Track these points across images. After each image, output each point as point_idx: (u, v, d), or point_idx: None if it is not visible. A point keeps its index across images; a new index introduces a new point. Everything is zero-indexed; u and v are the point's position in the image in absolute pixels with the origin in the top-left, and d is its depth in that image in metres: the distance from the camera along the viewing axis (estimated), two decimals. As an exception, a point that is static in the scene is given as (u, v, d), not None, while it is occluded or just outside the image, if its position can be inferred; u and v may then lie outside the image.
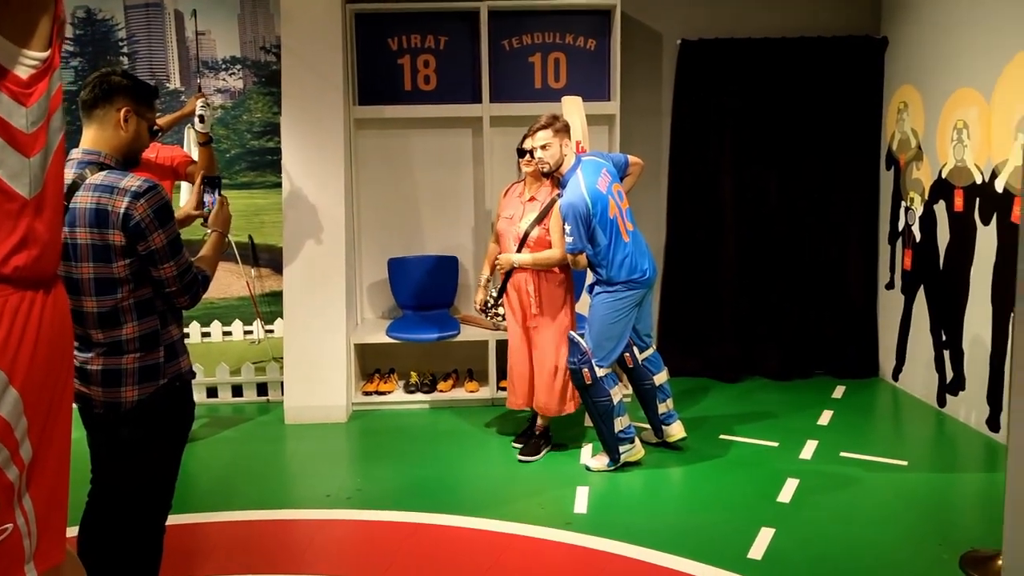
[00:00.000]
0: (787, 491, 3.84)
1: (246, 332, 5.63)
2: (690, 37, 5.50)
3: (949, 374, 4.82)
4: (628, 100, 5.44)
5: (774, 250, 5.62)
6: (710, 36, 5.49)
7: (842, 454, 4.29)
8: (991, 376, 4.42)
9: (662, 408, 4.33)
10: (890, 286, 5.51)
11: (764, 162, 5.56)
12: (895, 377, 5.47)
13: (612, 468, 4.11)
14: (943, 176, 4.81)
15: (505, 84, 5.42)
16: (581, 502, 3.77)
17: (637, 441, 4.16)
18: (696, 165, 5.60)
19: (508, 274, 4.31)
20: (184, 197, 4.74)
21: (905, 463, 4.16)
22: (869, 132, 5.55)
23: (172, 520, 2.62)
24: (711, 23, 5.53)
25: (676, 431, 4.35)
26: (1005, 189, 4.26)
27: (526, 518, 3.60)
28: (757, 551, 3.29)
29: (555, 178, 4.19)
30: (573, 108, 4.47)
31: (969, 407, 4.65)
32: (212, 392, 5.34)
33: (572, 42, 5.45)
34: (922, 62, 5.05)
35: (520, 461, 4.28)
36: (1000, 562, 2.87)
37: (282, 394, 5.09)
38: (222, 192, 2.74)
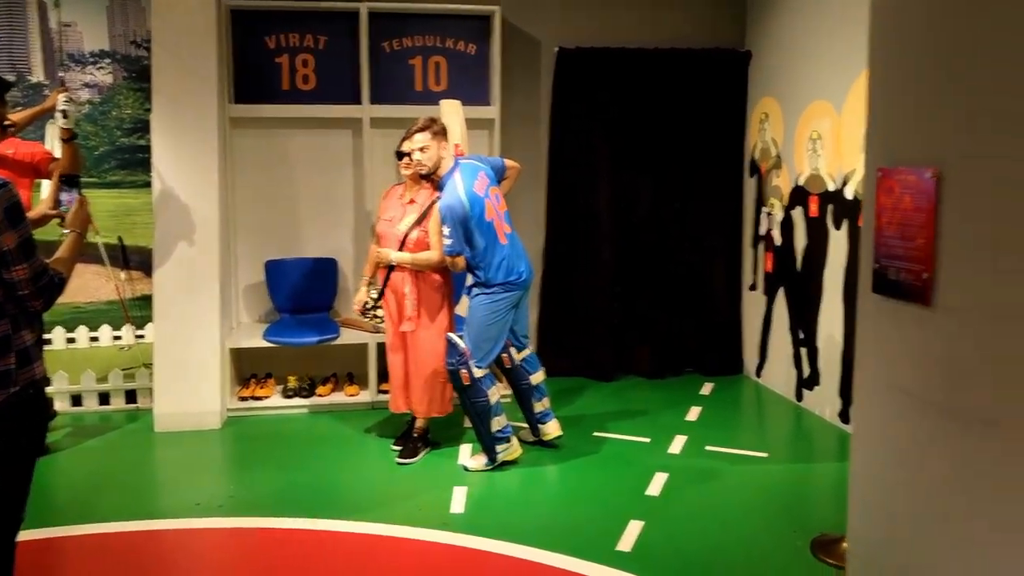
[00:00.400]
0: (656, 485, 4.00)
1: (115, 337, 5.40)
2: (567, 45, 5.64)
3: (806, 370, 5.12)
4: (508, 105, 5.53)
5: (645, 254, 5.82)
6: (587, 45, 5.64)
7: (708, 448, 4.50)
8: (843, 372, 4.72)
9: (538, 407, 4.43)
10: (753, 287, 5.81)
11: (637, 169, 5.75)
12: (758, 374, 5.77)
13: (490, 467, 4.17)
14: (800, 183, 5.11)
15: (385, 86, 5.41)
16: (458, 502, 3.82)
17: (514, 440, 4.24)
18: (573, 171, 5.74)
19: (388, 275, 4.31)
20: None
21: (766, 455, 4.40)
22: (734, 141, 5.84)
23: (25, 535, 2.51)
24: (588, 32, 5.68)
25: (552, 429, 4.45)
26: (854, 196, 4.57)
27: (403, 520, 3.61)
28: (626, 543, 3.41)
29: (434, 181, 4.22)
30: (451, 111, 4.52)
31: (823, 401, 4.96)
32: (77, 400, 5.08)
33: (452, 46, 5.50)
34: (781, 75, 5.35)
35: (398, 463, 4.28)
36: (845, 544, 3.08)
37: (152, 401, 4.91)
38: (81, 191, 2.65)
